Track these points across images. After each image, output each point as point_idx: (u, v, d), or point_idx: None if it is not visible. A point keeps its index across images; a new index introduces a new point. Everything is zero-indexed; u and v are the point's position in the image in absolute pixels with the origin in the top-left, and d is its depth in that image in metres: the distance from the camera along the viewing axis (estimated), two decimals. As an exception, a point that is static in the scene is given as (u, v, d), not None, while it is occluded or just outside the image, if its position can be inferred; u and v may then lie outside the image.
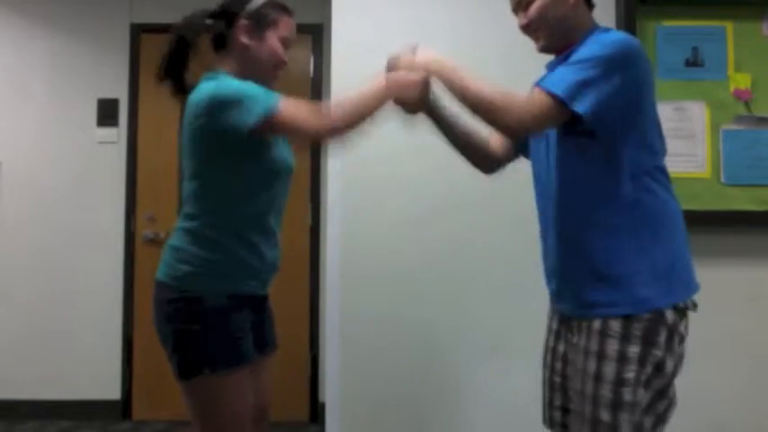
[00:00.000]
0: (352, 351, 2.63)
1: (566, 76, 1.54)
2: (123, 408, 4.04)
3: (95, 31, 4.17)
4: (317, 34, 3.94)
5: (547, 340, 1.79)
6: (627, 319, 1.55)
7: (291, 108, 1.70)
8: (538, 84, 1.58)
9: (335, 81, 2.69)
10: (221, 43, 1.86)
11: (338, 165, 2.66)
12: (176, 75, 1.85)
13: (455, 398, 2.64)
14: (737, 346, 2.63)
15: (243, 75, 1.81)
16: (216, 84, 1.72)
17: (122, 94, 4.15)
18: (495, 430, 2.61)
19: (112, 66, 4.15)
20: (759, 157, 2.64)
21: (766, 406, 2.62)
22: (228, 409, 1.73)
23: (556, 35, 1.69)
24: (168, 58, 1.85)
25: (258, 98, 1.69)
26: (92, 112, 4.15)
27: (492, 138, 1.93)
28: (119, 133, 4.15)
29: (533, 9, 1.68)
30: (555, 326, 1.76)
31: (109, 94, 4.15)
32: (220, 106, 1.67)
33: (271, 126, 1.69)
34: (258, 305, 1.89)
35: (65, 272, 4.07)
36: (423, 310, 2.65)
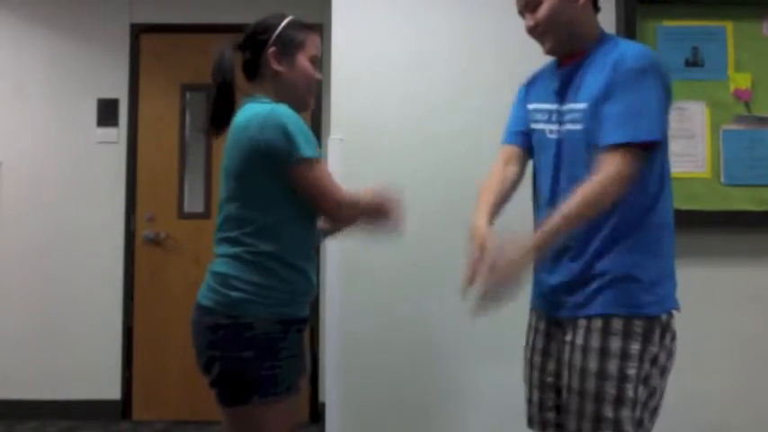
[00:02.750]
0: (353, 351, 2.63)
1: (625, 113, 1.55)
2: (123, 408, 4.04)
3: (95, 31, 4.17)
4: (316, 34, 3.95)
5: (533, 342, 1.78)
6: (628, 317, 1.58)
7: (326, 169, 1.74)
8: (603, 143, 1.56)
9: (335, 81, 2.69)
10: (253, 72, 1.84)
11: (338, 162, 2.66)
12: (224, 118, 1.82)
13: (456, 398, 2.64)
14: (738, 345, 2.62)
15: (279, 99, 1.80)
16: (272, 107, 1.71)
17: (122, 94, 4.15)
18: (496, 430, 2.61)
19: (112, 66, 4.15)
20: (759, 157, 2.63)
21: (766, 405, 2.62)
22: None
23: (564, 37, 1.68)
24: (215, 108, 1.84)
25: (311, 140, 1.71)
26: (92, 112, 4.15)
27: (509, 173, 1.85)
28: (119, 133, 4.15)
29: (542, 11, 1.66)
30: (543, 326, 1.75)
31: (109, 94, 4.15)
32: (278, 125, 1.67)
33: (305, 171, 1.69)
34: (301, 327, 1.85)
35: (64, 272, 4.07)
36: (423, 310, 2.65)
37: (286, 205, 1.73)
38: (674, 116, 2.62)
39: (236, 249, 1.73)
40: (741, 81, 2.66)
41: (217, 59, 1.83)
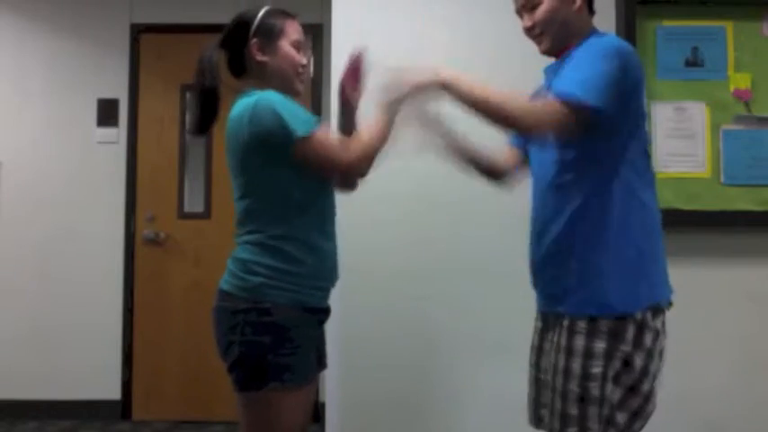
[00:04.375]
0: (353, 350, 2.63)
1: (574, 77, 1.56)
2: (123, 408, 4.04)
3: (95, 31, 4.17)
4: (316, 34, 3.95)
5: (533, 340, 1.81)
6: (592, 318, 1.58)
7: (326, 137, 1.74)
8: (551, 92, 1.59)
9: (335, 81, 2.68)
10: (240, 68, 1.86)
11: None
12: (207, 120, 1.84)
13: (456, 398, 2.64)
14: (737, 345, 2.63)
15: (268, 88, 1.80)
16: (259, 95, 1.73)
17: (122, 94, 4.15)
18: (496, 429, 2.61)
19: (112, 66, 4.15)
20: (759, 157, 2.64)
21: (766, 405, 2.62)
22: (283, 425, 1.72)
23: (559, 39, 1.70)
24: (200, 112, 1.84)
25: (302, 117, 1.72)
26: (92, 112, 4.15)
27: (497, 153, 1.95)
28: (119, 133, 4.15)
29: (540, 12, 1.69)
30: (540, 324, 1.78)
31: (109, 94, 4.15)
32: (269, 112, 1.68)
33: (306, 148, 1.70)
34: (322, 319, 1.86)
35: (64, 272, 4.07)
36: (423, 310, 2.65)
37: (297, 190, 1.75)
38: (674, 116, 2.65)
39: (256, 236, 1.74)
40: (741, 81, 2.66)
41: (199, 63, 1.83)
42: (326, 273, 1.82)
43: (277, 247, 1.72)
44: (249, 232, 1.76)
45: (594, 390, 1.56)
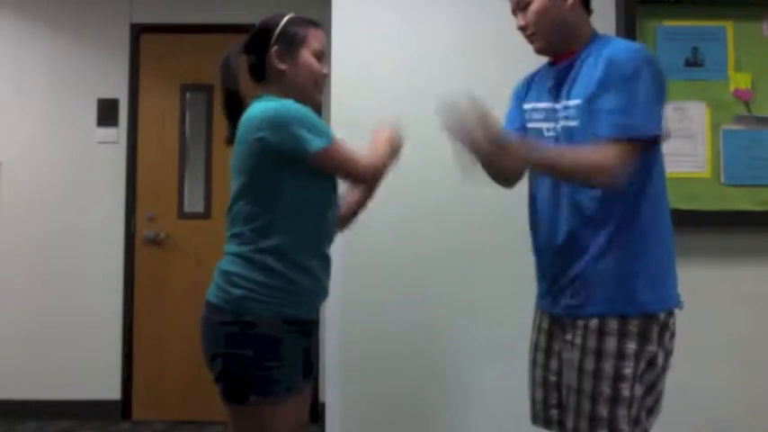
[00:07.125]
0: (353, 350, 2.63)
1: (614, 113, 1.56)
2: (123, 408, 4.04)
3: (95, 31, 4.17)
4: (316, 34, 3.95)
5: (537, 340, 1.80)
6: (623, 317, 1.59)
7: (345, 145, 1.76)
8: (601, 133, 1.58)
9: (335, 81, 2.69)
10: (260, 74, 1.85)
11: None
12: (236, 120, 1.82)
13: (456, 398, 2.64)
14: (737, 345, 2.63)
15: (285, 97, 1.79)
16: (278, 103, 1.72)
17: (122, 94, 4.15)
18: (496, 429, 2.61)
19: (112, 66, 4.15)
20: (759, 157, 2.64)
21: (766, 404, 2.62)
22: None
23: (552, 38, 1.71)
24: (230, 118, 1.84)
25: (320, 126, 1.72)
26: (92, 113, 4.14)
27: None
28: (119, 133, 4.15)
29: (530, 11, 1.69)
30: (546, 325, 1.77)
31: (109, 94, 4.15)
32: (286, 123, 1.68)
33: (324, 158, 1.71)
34: (309, 330, 1.85)
35: (64, 272, 4.07)
36: (424, 310, 2.65)
37: (295, 200, 1.74)
38: (674, 116, 2.65)
39: (242, 248, 1.73)
40: (741, 81, 2.66)
41: (221, 66, 1.84)
42: (314, 291, 1.80)
43: (263, 262, 1.71)
44: (238, 240, 1.75)
45: (626, 390, 1.56)
